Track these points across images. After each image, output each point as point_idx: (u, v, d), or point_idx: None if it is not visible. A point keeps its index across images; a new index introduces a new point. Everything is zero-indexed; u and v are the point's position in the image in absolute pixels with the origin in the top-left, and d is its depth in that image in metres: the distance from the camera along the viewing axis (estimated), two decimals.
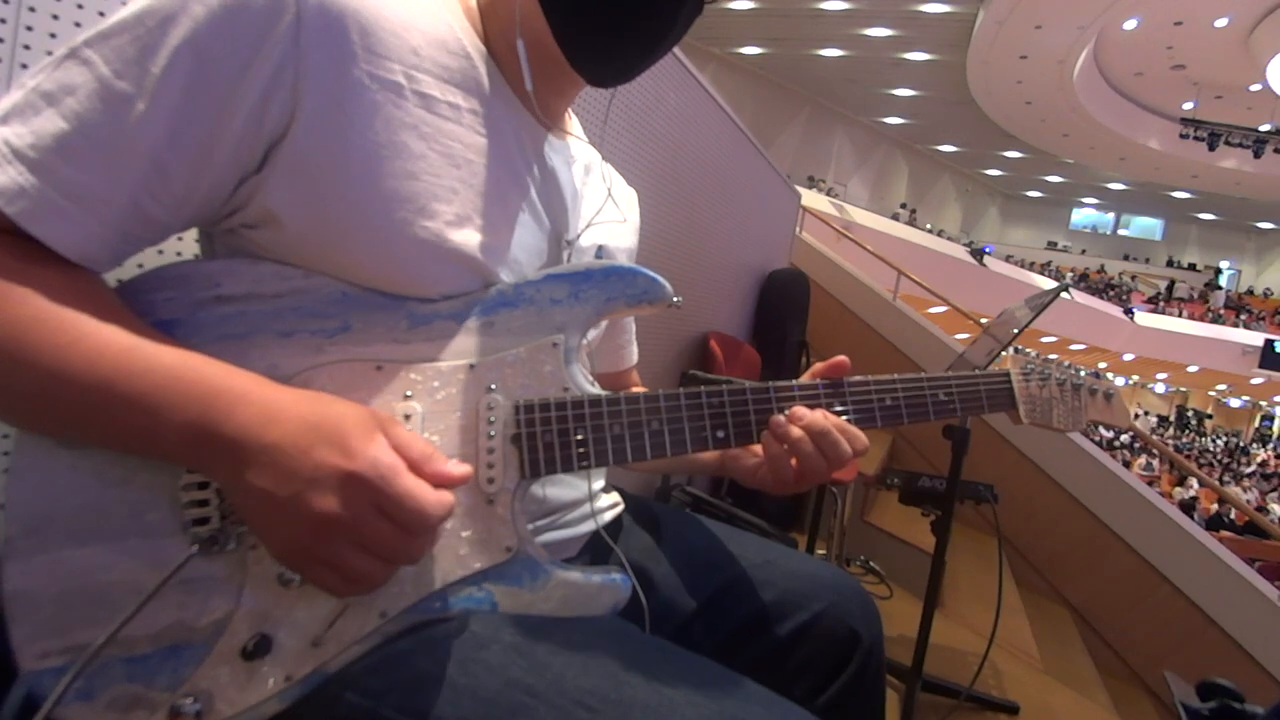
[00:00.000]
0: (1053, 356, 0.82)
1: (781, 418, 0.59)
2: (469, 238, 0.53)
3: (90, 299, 0.44)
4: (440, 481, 0.44)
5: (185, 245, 0.72)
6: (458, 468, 0.46)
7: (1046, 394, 0.77)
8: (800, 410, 0.59)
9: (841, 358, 0.63)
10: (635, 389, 0.58)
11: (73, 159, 0.43)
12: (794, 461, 0.59)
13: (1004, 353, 0.73)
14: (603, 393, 0.56)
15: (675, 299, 0.58)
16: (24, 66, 0.60)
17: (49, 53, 0.62)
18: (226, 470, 0.43)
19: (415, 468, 0.44)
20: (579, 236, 0.66)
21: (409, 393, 0.52)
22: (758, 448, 0.62)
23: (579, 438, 0.54)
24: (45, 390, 0.42)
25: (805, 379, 0.63)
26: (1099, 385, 0.82)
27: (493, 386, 0.54)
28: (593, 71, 0.59)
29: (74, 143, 0.43)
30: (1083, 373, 0.82)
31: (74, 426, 0.44)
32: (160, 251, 0.70)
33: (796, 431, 0.59)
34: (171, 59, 0.44)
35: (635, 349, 0.87)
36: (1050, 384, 0.78)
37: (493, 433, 0.53)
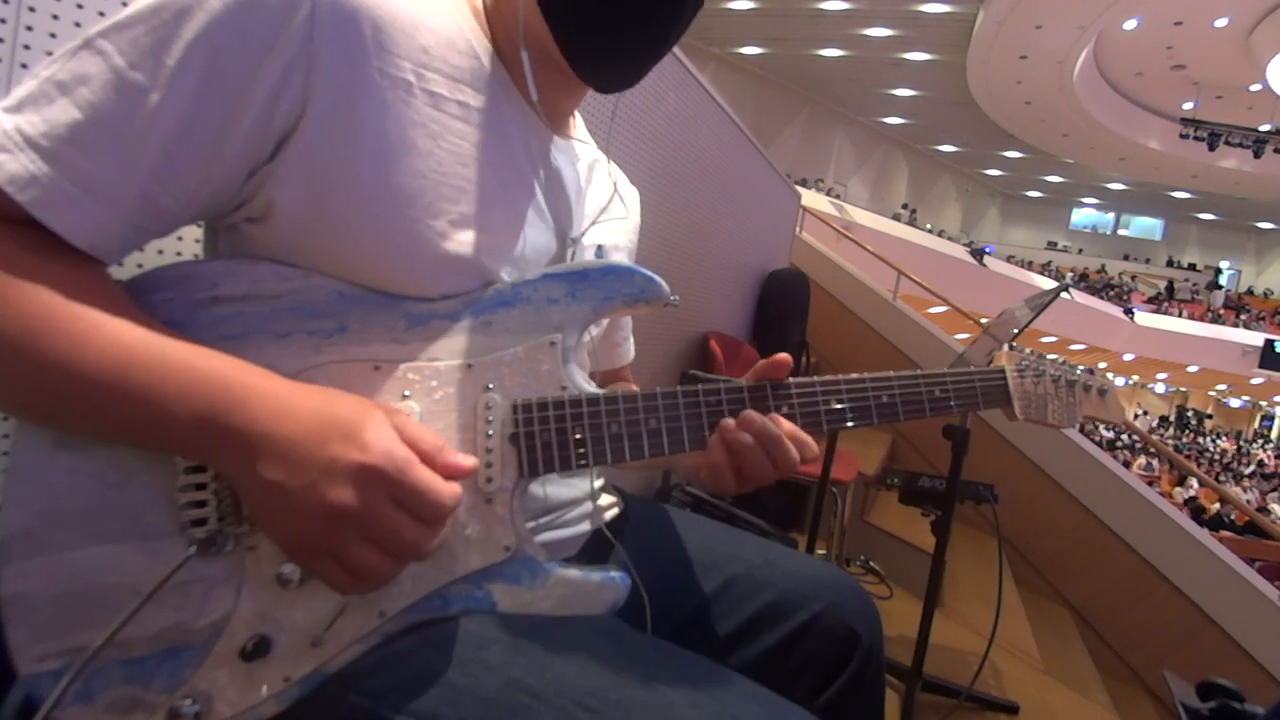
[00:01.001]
0: (1052, 356, 0.82)
1: (731, 422, 0.57)
2: (475, 237, 0.54)
3: (100, 293, 0.44)
4: (451, 473, 0.46)
5: (186, 245, 0.72)
6: (466, 459, 0.47)
7: (1041, 390, 0.77)
8: (750, 415, 0.57)
9: (781, 356, 0.60)
10: (630, 387, 0.58)
11: (85, 148, 0.43)
12: (734, 467, 0.58)
13: (1000, 349, 0.73)
14: (601, 392, 0.56)
15: (672, 298, 0.58)
16: (24, 66, 0.60)
17: (49, 53, 0.62)
18: (236, 462, 0.43)
19: (427, 460, 0.45)
20: (584, 234, 0.66)
21: (407, 392, 0.52)
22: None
23: (577, 437, 0.54)
24: (57, 381, 0.42)
25: (747, 377, 0.61)
26: (1093, 381, 0.82)
27: (490, 386, 0.54)
28: (597, 78, 0.59)
29: (87, 132, 0.43)
30: (1078, 369, 0.82)
31: (85, 419, 0.44)
32: (160, 251, 0.70)
33: (746, 438, 0.57)
34: (186, 52, 0.44)
35: (631, 346, 0.87)
36: (1045, 380, 0.77)
37: (491, 432, 0.53)
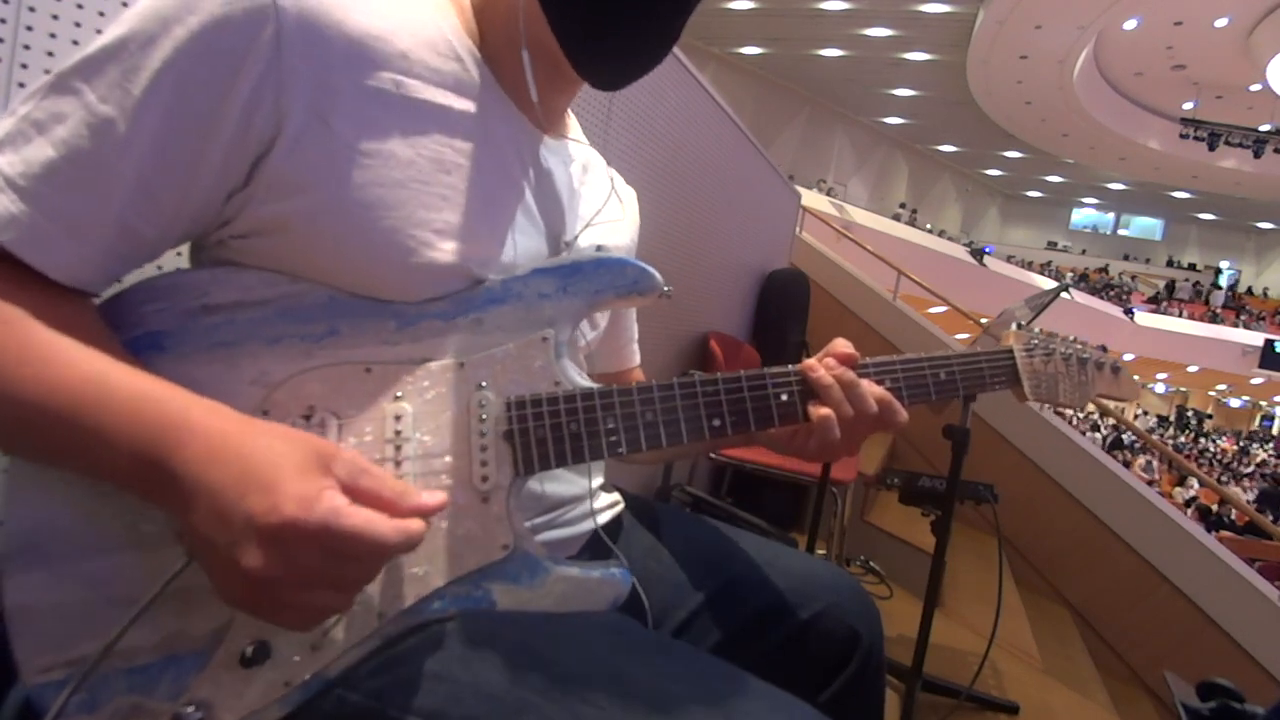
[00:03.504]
0: (1061, 334, 0.80)
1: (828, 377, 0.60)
2: (458, 245, 0.53)
3: (67, 323, 0.43)
4: (415, 514, 0.42)
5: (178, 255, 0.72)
6: (432, 498, 0.44)
7: (1051, 369, 0.74)
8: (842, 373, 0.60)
9: (848, 351, 0.63)
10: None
11: (61, 185, 0.43)
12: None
13: (1007, 329, 0.72)
14: (595, 386, 0.56)
15: (666, 289, 0.58)
16: (24, 67, 0.60)
17: (49, 53, 0.62)
18: (174, 508, 0.41)
19: (390, 508, 0.41)
20: (577, 237, 0.65)
21: (399, 393, 0.52)
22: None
23: (572, 431, 0.54)
24: (13, 417, 0.41)
25: (820, 356, 0.63)
26: (1105, 359, 0.80)
27: (483, 384, 0.53)
28: (598, 75, 0.59)
29: (62, 169, 0.43)
30: (1088, 346, 0.80)
31: (47, 456, 0.44)
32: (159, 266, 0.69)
33: (827, 380, 0.59)
34: (153, 81, 0.44)
35: (636, 350, 0.87)
36: (1055, 359, 0.75)
37: (485, 430, 0.53)
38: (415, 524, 0.42)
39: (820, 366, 0.60)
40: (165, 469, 0.40)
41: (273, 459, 0.40)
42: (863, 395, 0.60)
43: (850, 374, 0.60)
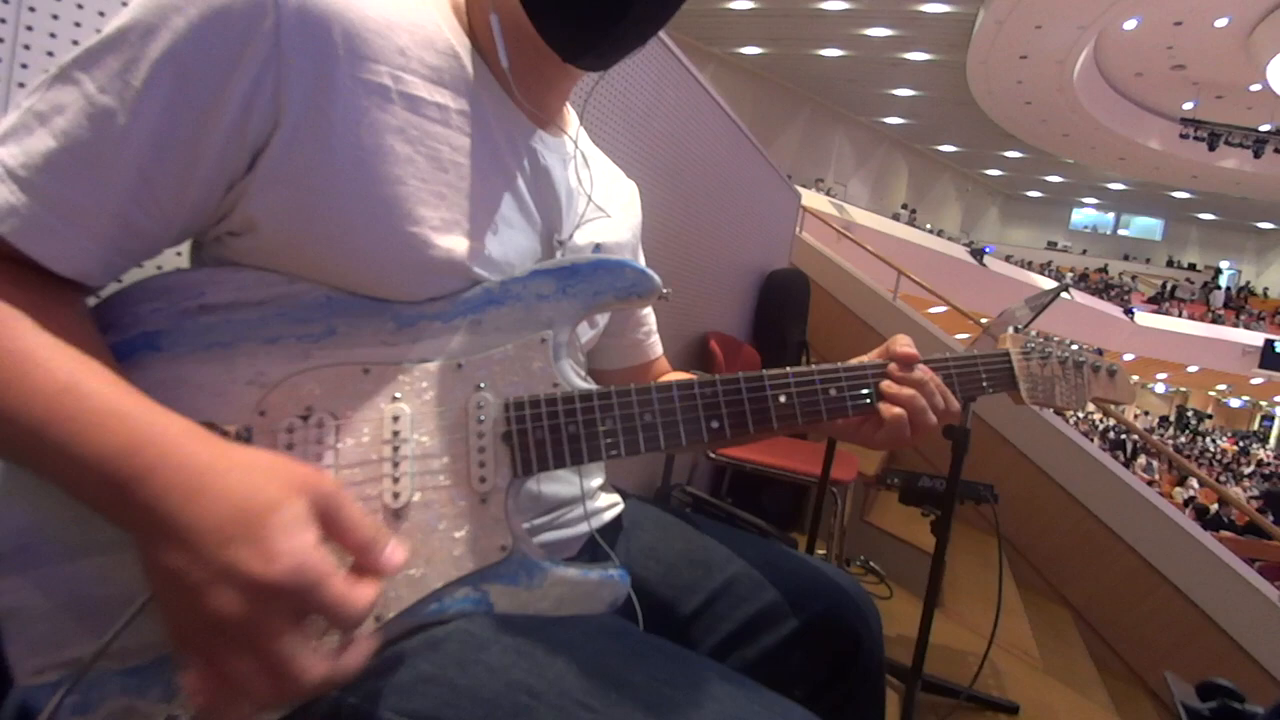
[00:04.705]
0: (1058, 338, 0.81)
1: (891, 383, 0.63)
2: (456, 243, 0.53)
3: (56, 325, 0.42)
4: (378, 571, 0.41)
5: (178, 255, 0.72)
6: (396, 555, 0.42)
7: (1048, 372, 0.76)
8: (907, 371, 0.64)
9: (909, 350, 0.65)
10: (672, 376, 0.58)
11: (61, 176, 0.43)
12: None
13: (1003, 332, 0.73)
14: (593, 387, 0.56)
15: (664, 290, 0.58)
16: (24, 67, 0.60)
17: (49, 53, 0.62)
18: (139, 534, 0.39)
19: (357, 552, 0.41)
20: (571, 235, 0.65)
21: (397, 394, 0.51)
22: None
23: (571, 433, 0.54)
24: None
25: (862, 359, 0.65)
26: (1101, 362, 0.81)
27: (482, 385, 0.53)
28: (567, 47, 0.57)
29: (62, 160, 0.43)
30: (1085, 350, 0.81)
31: (25, 465, 0.42)
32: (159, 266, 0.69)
33: (908, 391, 0.62)
34: (152, 71, 0.44)
35: (657, 341, 0.86)
36: (1051, 362, 0.76)
37: (483, 431, 0.53)
38: (372, 593, 0.40)
39: (893, 384, 0.64)
40: (135, 495, 0.38)
41: (261, 505, 0.38)
42: (937, 397, 0.64)
43: (923, 377, 0.64)
